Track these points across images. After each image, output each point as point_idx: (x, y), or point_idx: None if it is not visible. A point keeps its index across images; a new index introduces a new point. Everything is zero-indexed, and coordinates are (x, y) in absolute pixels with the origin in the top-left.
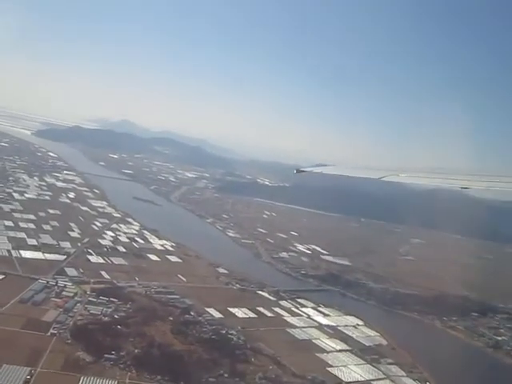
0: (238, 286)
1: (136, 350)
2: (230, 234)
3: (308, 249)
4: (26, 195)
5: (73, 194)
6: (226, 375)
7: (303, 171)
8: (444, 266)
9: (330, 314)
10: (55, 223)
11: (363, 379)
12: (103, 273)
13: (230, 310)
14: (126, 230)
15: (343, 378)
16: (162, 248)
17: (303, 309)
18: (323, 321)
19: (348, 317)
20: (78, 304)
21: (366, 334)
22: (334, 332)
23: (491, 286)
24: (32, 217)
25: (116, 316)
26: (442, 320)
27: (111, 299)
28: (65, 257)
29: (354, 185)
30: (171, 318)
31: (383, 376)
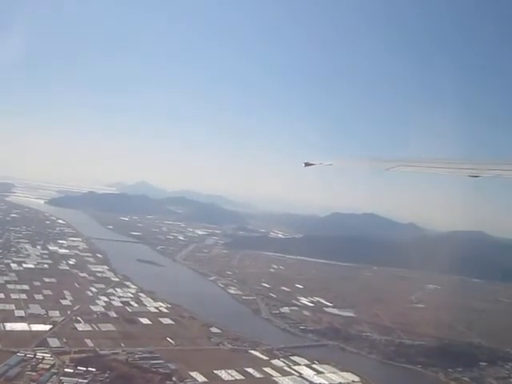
0: (229, 346)
1: None
2: (231, 291)
3: (312, 302)
4: (25, 265)
5: (73, 260)
6: None
7: (312, 164)
8: (457, 313)
9: (325, 371)
10: (48, 292)
11: None
12: (88, 341)
13: (216, 372)
14: (122, 294)
15: None
16: (156, 310)
17: (296, 367)
18: (316, 379)
19: (344, 373)
20: (54, 376)
21: None
22: None
23: (505, 332)
24: (26, 287)
25: None
26: (446, 372)
27: (89, 369)
28: (50, 326)
29: (370, 232)
30: None
31: None
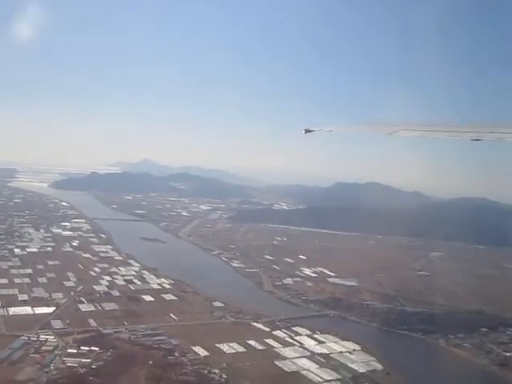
0: (231, 319)
1: None
2: (234, 265)
3: (315, 272)
4: (28, 249)
5: (77, 241)
6: None
7: (311, 131)
8: (460, 280)
9: (326, 340)
10: (52, 275)
11: None
12: (91, 321)
13: (218, 346)
14: (125, 273)
15: None
16: (159, 287)
17: (297, 337)
18: (316, 349)
19: (345, 342)
20: (57, 358)
21: (361, 360)
22: (326, 360)
23: (508, 298)
24: (29, 271)
25: (93, 366)
26: (447, 338)
27: (92, 348)
28: (54, 309)
29: (373, 201)
30: (151, 362)
31: None
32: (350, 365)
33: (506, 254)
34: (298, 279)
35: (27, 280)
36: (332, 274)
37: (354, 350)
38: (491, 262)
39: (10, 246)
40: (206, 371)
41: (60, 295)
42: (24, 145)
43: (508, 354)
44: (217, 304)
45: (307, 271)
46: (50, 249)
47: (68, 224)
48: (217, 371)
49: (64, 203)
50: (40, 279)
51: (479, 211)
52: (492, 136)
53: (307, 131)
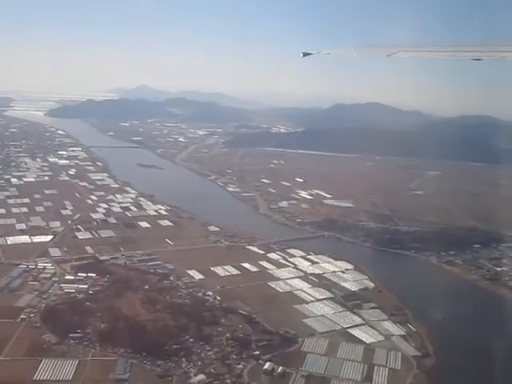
0: (226, 243)
1: (102, 326)
2: (230, 189)
3: (311, 195)
4: (25, 179)
5: (74, 170)
6: (190, 340)
7: (310, 54)
8: (455, 198)
9: (320, 261)
10: (49, 203)
11: (339, 328)
12: (88, 248)
13: (213, 269)
14: (121, 200)
15: (317, 329)
16: (156, 213)
17: (291, 259)
18: (310, 269)
19: (338, 262)
20: (55, 284)
21: (354, 279)
22: (319, 280)
23: (502, 215)
24: (26, 200)
25: (90, 292)
26: (438, 255)
27: (89, 275)
28: (51, 237)
29: (373, 121)
30: (146, 287)
31: (362, 322)
32: (342, 284)
33: (503, 171)
34: (294, 202)
35: (25, 209)
36: (328, 196)
37: (347, 269)
38: (488, 180)
39: (6, 176)
40: (200, 294)
41: (57, 224)
42: (20, 72)
43: (499, 269)
44: (212, 229)
45: (303, 194)
46: (46, 178)
47: (64, 153)
48: (211, 293)
49: (60, 132)
50: (37, 208)
51: (480, 129)
52: (493, 55)
53: (305, 54)
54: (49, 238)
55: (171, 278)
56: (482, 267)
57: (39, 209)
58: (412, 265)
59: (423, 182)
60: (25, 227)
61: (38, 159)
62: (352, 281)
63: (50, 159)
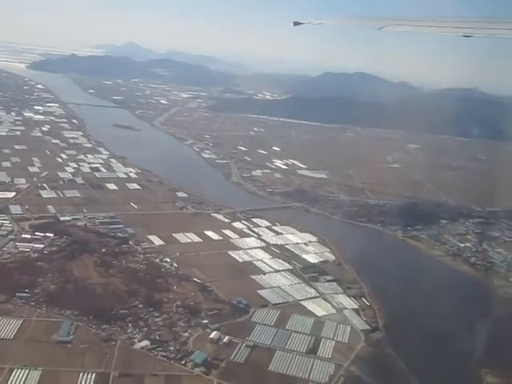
0: (192, 210)
1: (52, 286)
2: (205, 155)
3: (286, 164)
4: None
5: (48, 126)
6: (140, 306)
7: (301, 23)
8: (431, 172)
9: (284, 232)
10: (17, 159)
11: (293, 299)
12: (50, 207)
13: (175, 235)
14: (92, 160)
15: (271, 300)
16: (125, 176)
17: (256, 229)
18: (273, 240)
19: (302, 234)
20: (11, 242)
21: (316, 251)
22: (281, 251)
23: (474, 189)
24: None
25: (45, 252)
26: (404, 230)
27: (47, 234)
28: (14, 194)
29: (361, 91)
30: (103, 250)
31: (316, 295)
32: (303, 256)
33: (484, 146)
34: (268, 171)
35: None
36: (303, 166)
37: (310, 241)
38: (468, 155)
39: None
40: (157, 260)
41: (23, 181)
42: (3, 21)
43: (462, 245)
44: (180, 194)
45: (278, 163)
46: (18, 133)
47: (41, 108)
48: (168, 260)
49: (40, 86)
50: (4, 163)
51: (466, 102)
52: (484, 32)
53: (296, 24)
54: (12, 194)
55: (130, 243)
56: (446, 243)
57: (6, 164)
58: (376, 238)
59: (402, 155)
60: None
61: (12, 113)
62: (313, 253)
63: (26, 114)
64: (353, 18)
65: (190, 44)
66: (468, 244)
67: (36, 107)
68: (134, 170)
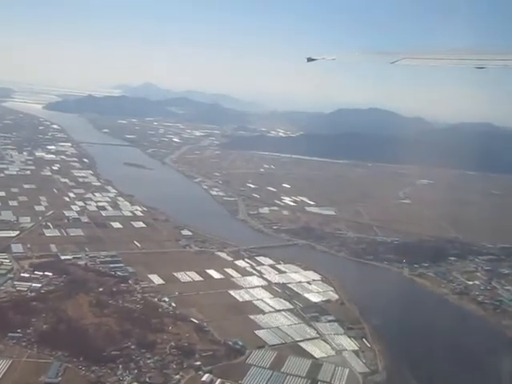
0: (196, 248)
1: (44, 327)
2: (214, 193)
3: (294, 201)
4: (6, 172)
5: (58, 165)
6: (132, 347)
7: (314, 59)
8: (443, 207)
9: (287, 270)
10: (24, 198)
11: (291, 340)
12: (52, 246)
13: (175, 274)
14: (99, 199)
15: (268, 341)
16: (131, 214)
17: (259, 267)
18: (275, 278)
19: (306, 272)
20: (9, 281)
21: (318, 290)
22: (282, 290)
23: (487, 225)
24: (2, 193)
25: (42, 291)
26: (411, 267)
27: (46, 273)
28: (17, 233)
29: (374, 127)
30: (101, 289)
31: (316, 335)
32: (305, 295)
33: (498, 180)
34: (276, 208)
35: None
36: (311, 203)
37: (314, 280)
38: (481, 189)
39: None
40: (155, 299)
41: (27, 219)
42: (25, 64)
43: (470, 283)
44: (185, 232)
45: (287, 200)
46: (28, 172)
47: (53, 147)
48: (167, 299)
49: (55, 126)
50: (11, 202)
51: (480, 136)
52: (496, 63)
53: (310, 60)
54: (15, 233)
55: (129, 282)
56: (454, 281)
57: (13, 203)
58: (382, 277)
59: (413, 190)
60: None
61: (24, 152)
62: (316, 292)
63: (37, 153)
64: (366, 52)
65: (206, 83)
66: (476, 282)
67: (49, 147)
68: (140, 209)
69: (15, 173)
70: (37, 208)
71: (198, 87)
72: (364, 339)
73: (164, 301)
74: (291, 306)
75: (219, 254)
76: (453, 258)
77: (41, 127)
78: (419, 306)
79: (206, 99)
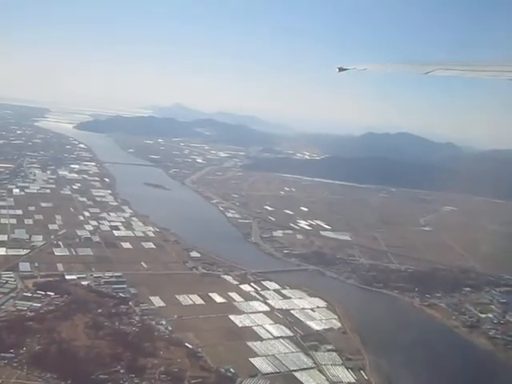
0: (202, 270)
1: (37, 348)
2: (229, 215)
3: (310, 225)
4: (27, 190)
5: (78, 184)
6: (121, 371)
7: (345, 69)
8: (464, 235)
9: (292, 296)
10: (40, 217)
11: (285, 370)
12: (59, 265)
13: (178, 297)
14: (114, 219)
15: (262, 369)
16: (142, 235)
17: (263, 292)
18: (279, 304)
19: (312, 298)
20: (10, 300)
21: (322, 318)
22: (284, 316)
23: (508, 256)
24: (19, 212)
25: (42, 311)
26: (422, 297)
27: (48, 293)
28: (28, 251)
29: (401, 153)
30: (100, 311)
31: (312, 365)
32: (307, 322)
33: None
34: (290, 232)
35: (13, 221)
36: (327, 227)
37: (318, 306)
38: (505, 218)
39: (10, 186)
40: (153, 322)
41: (40, 238)
42: (62, 84)
43: (483, 316)
44: (194, 254)
45: (303, 223)
46: (48, 191)
47: (77, 166)
48: (164, 322)
49: (82, 145)
50: (26, 221)
51: (510, 164)
52: None
53: (341, 69)
54: (25, 251)
55: (130, 303)
56: (466, 313)
57: (28, 221)
58: (391, 306)
59: (435, 217)
60: (6, 239)
61: (48, 171)
62: (319, 319)
63: (60, 172)
64: (397, 62)
65: (236, 105)
66: (490, 315)
67: (72, 165)
68: (152, 229)
69: (35, 191)
70: (50, 227)
71: (227, 109)
72: (362, 371)
73: (161, 324)
74: (291, 334)
75: (225, 277)
76: (467, 289)
77: (68, 146)
78: (424, 338)
79: (234, 121)
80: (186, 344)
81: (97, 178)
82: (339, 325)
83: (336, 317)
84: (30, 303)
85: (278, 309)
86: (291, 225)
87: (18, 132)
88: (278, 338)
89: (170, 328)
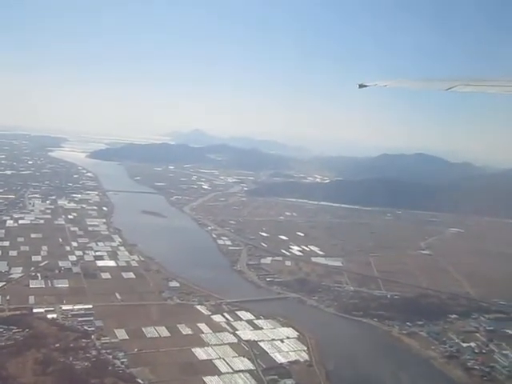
0: (177, 300)
1: None
2: (220, 242)
3: (303, 251)
4: (21, 221)
5: (74, 214)
6: None
7: (366, 86)
8: (464, 259)
9: (264, 326)
10: (25, 248)
11: None
12: (31, 298)
13: (144, 329)
14: (100, 248)
15: None
16: (125, 264)
17: (235, 322)
18: (247, 335)
19: (284, 329)
20: None
21: (290, 349)
22: (250, 348)
23: (507, 280)
24: (6, 243)
25: None
26: (403, 326)
27: (10, 327)
28: (3, 284)
29: (415, 174)
30: (57, 345)
31: None
32: (273, 354)
33: None
34: (279, 258)
35: None
36: (320, 253)
37: (288, 337)
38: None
39: (5, 217)
40: (110, 356)
41: (19, 270)
42: (81, 113)
43: (464, 345)
44: (173, 284)
45: (295, 249)
46: (42, 221)
47: (78, 196)
48: (120, 356)
49: (89, 174)
50: (11, 252)
51: None
52: None
53: (361, 86)
54: (1, 284)
55: (92, 337)
56: (446, 342)
57: (12, 253)
58: (366, 336)
59: (438, 240)
60: None
61: (47, 201)
62: (286, 351)
63: (60, 202)
64: (418, 79)
65: (255, 129)
66: (472, 344)
67: (74, 195)
68: (137, 258)
69: (29, 222)
70: (34, 258)
71: (246, 133)
72: None
73: (118, 358)
74: (252, 367)
75: (199, 307)
76: (454, 316)
77: (75, 175)
78: (396, 370)
79: (250, 145)
80: (138, 380)
81: (95, 207)
82: (307, 357)
83: (305, 348)
84: None
85: (246, 340)
86: (282, 251)
87: (30, 162)
88: (237, 371)
89: (126, 363)
